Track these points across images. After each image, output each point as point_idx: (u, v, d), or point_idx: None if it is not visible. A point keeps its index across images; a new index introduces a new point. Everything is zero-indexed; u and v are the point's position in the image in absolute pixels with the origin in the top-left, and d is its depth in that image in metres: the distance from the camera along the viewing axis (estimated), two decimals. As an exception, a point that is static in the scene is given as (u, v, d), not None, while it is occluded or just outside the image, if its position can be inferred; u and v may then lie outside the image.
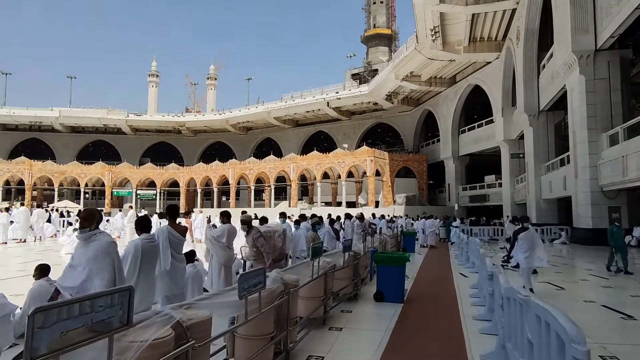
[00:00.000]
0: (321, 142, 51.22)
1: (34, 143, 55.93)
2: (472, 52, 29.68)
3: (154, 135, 58.76)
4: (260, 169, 43.27)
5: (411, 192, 38.38)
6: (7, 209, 19.80)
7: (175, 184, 49.24)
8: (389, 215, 25.27)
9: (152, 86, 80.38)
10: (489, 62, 31.40)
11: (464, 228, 22.82)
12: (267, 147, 55.05)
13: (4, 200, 42.99)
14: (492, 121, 32.44)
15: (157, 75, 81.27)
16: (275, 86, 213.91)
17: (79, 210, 30.00)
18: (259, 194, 49.14)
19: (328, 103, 45.85)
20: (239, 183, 45.93)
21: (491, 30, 28.20)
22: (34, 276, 5.59)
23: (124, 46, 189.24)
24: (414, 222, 24.56)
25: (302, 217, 10.35)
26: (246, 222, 6.46)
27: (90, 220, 3.83)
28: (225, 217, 6.85)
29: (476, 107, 36.43)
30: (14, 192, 46.75)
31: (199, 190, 46.98)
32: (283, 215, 10.08)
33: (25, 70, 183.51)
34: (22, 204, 24.39)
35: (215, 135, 58.97)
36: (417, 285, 9.25)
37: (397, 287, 7.38)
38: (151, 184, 49.19)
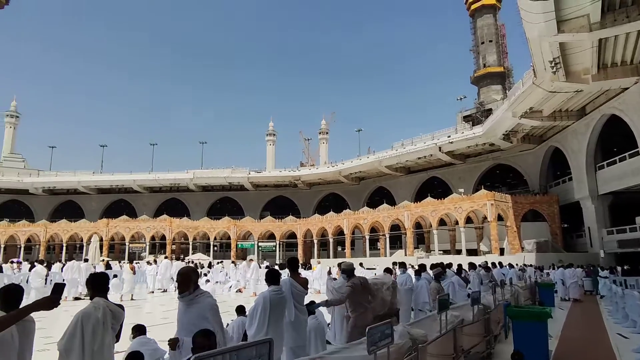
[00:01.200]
0: (435, 188, 49.60)
1: (173, 202, 63.68)
2: (603, 79, 26.64)
3: (273, 190, 62.85)
4: (374, 218, 43.16)
5: (542, 237, 34.50)
6: (155, 261, 22.30)
7: (293, 235, 51.41)
8: (517, 264, 22.93)
9: (270, 144, 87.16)
10: (626, 88, 27.90)
11: (615, 279, 19.58)
12: (379, 196, 55.02)
13: (150, 253, 49.12)
14: (638, 153, 28.26)
15: (274, 134, 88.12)
16: (384, 134, 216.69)
17: (209, 263, 32.80)
18: (373, 243, 48.74)
19: (440, 148, 44.68)
20: (353, 233, 46.22)
21: (625, 53, 25.19)
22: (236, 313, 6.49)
23: (243, 110, 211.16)
24: (549, 271, 21.84)
25: (422, 267, 9.85)
26: (347, 271, 6.21)
27: (187, 284, 3.77)
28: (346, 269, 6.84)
29: (614, 139, 32.16)
30: (158, 246, 53.15)
31: (315, 241, 48.27)
32: (402, 265, 9.71)
33: (165, 139, 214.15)
34: (166, 257, 27.43)
35: (329, 187, 60.95)
36: (564, 346, 7.98)
37: (539, 348, 6.46)
38: (271, 236, 52.02)
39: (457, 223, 37.26)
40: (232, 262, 29.66)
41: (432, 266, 10.13)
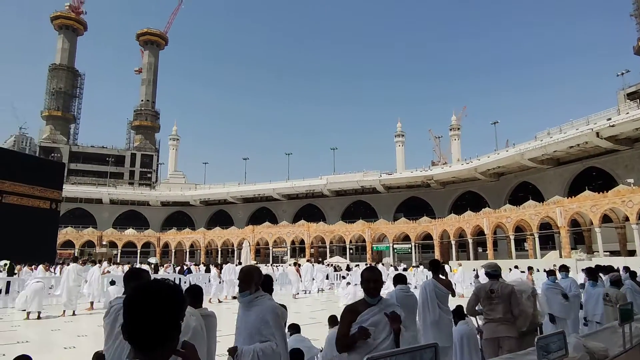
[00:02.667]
0: (593, 180, 43.14)
1: (309, 208, 67.00)
2: None
3: (405, 191, 61.85)
4: (518, 216, 39.34)
5: None
6: (299, 265, 23.56)
7: (428, 236, 49.76)
8: None
9: (399, 145, 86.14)
10: None
11: None
12: (523, 192, 50.03)
13: (291, 257, 52.38)
14: None
15: (403, 135, 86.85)
16: (523, 125, 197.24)
17: (347, 266, 33.55)
18: (520, 243, 44.43)
19: (598, 133, 38.75)
20: (495, 233, 42.79)
21: None
22: (329, 324, 6.40)
23: (370, 113, 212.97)
24: None
25: (590, 272, 8.44)
26: (491, 274, 5.19)
27: (248, 282, 3.36)
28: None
29: None
30: (298, 250, 56.39)
31: (453, 242, 45.98)
32: (564, 268, 8.43)
33: (299, 148, 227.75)
34: (308, 260, 28.86)
35: (465, 185, 57.64)
36: None
37: None
38: (406, 238, 51.13)
39: (627, 219, 31.80)
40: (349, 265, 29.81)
41: (591, 271, 8.63)
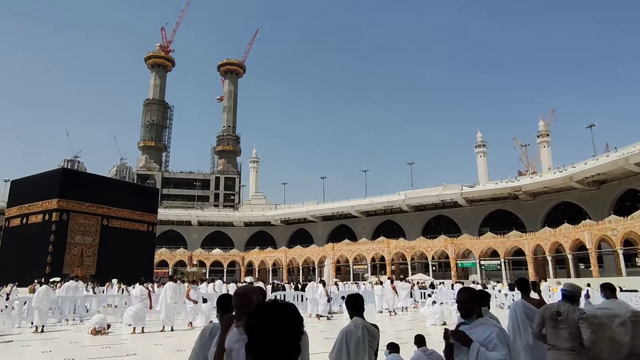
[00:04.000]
0: None
1: (388, 224, 65.74)
2: None
3: (490, 204, 58.38)
4: (627, 228, 35.13)
5: None
6: (380, 282, 22.98)
7: (519, 252, 46.22)
8: None
9: (480, 156, 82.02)
10: None
11: None
12: (630, 201, 44.78)
13: (372, 274, 51.51)
14: None
15: (484, 145, 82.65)
16: (624, 128, 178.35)
17: (431, 283, 32.12)
18: (630, 258, 39.61)
19: None
20: (599, 247, 38.58)
21: None
22: (415, 344, 6.20)
23: (446, 123, 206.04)
24: None
25: None
26: (569, 297, 4.44)
27: (245, 308, 2.65)
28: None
29: None
30: (378, 267, 55.32)
31: (549, 258, 42.20)
32: None
33: (376, 164, 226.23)
34: (389, 278, 28.09)
35: (559, 196, 53.00)
36: None
37: None
38: (493, 254, 47.97)
39: None
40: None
41: None
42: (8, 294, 16.61)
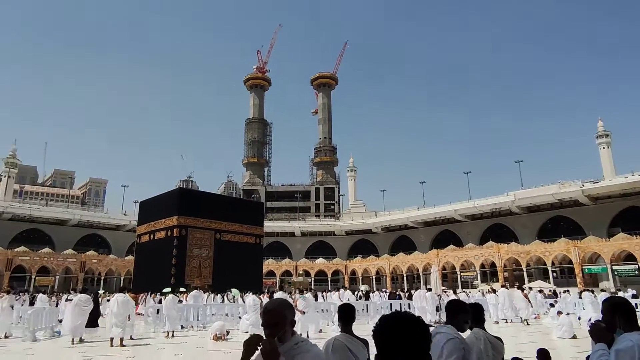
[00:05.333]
0: None
1: (497, 227, 61.38)
2: None
3: (619, 201, 51.50)
4: None
5: None
6: (493, 290, 21.49)
7: (662, 255, 39.86)
8: None
9: (603, 148, 72.92)
10: None
11: None
12: None
13: (482, 282, 48.37)
14: None
15: (607, 135, 73.44)
16: None
17: (553, 291, 29.04)
18: None
19: None
20: None
21: None
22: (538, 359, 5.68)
23: (557, 111, 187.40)
24: None
25: None
26: None
27: (279, 325, 2.26)
28: None
29: None
30: (489, 274, 51.79)
31: (701, 261, 35.80)
32: None
33: (479, 165, 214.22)
34: (503, 286, 26.11)
35: None
36: None
37: None
38: (629, 258, 41.99)
39: None
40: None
41: None
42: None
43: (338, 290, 27.53)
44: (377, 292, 32.26)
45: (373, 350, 3.83)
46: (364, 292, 32.50)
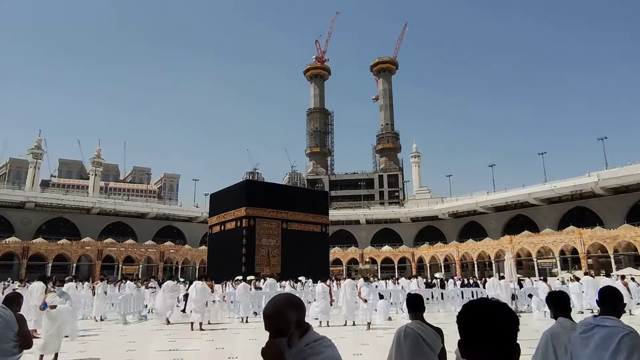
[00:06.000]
0: None
1: (578, 211, 57.02)
2: None
3: None
4: None
5: None
6: (576, 278, 20.07)
7: None
8: None
9: (702, 120, 64.87)
10: None
11: None
12: None
13: (562, 269, 45.33)
14: None
15: None
16: None
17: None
18: None
19: None
20: None
21: None
22: None
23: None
24: None
25: None
26: None
27: (284, 327, 1.97)
28: None
29: None
30: (570, 260, 48.41)
31: None
32: None
33: (554, 145, 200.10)
34: (586, 273, 24.25)
35: None
36: None
37: None
38: None
39: None
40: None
41: None
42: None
43: (410, 278, 27.10)
44: (450, 280, 31.51)
45: (449, 339, 3.75)
46: (438, 280, 31.76)
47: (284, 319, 1.93)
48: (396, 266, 62.24)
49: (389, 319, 15.95)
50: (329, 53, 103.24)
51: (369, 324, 13.42)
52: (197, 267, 58.82)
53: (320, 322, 14.18)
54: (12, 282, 29.53)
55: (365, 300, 13.69)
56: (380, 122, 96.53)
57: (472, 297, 19.17)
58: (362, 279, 15.09)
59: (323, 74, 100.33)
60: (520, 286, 19.93)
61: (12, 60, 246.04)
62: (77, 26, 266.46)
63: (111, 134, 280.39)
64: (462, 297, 19.81)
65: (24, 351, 4.59)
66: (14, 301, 4.67)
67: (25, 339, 4.49)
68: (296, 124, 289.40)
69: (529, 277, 36.91)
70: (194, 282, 14.73)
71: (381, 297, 16.91)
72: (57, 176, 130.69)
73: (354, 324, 14.27)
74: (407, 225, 75.28)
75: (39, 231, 58.36)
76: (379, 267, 61.74)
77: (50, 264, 49.35)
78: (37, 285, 12.15)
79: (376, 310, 16.00)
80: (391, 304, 18.50)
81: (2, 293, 17.34)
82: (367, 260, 62.14)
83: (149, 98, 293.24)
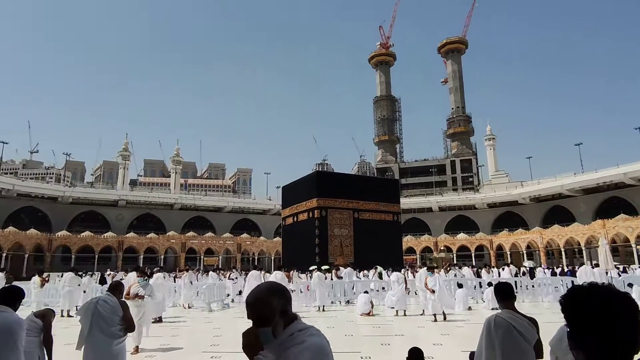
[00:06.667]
0: None
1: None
2: None
3: None
4: None
5: None
6: None
7: None
8: None
9: None
10: None
11: None
12: None
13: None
14: None
15: None
16: None
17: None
18: None
19: None
20: None
21: None
22: None
23: None
24: None
25: None
26: None
27: (267, 317, 1.88)
28: None
29: None
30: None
31: None
32: None
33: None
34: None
35: None
36: None
37: None
38: None
39: None
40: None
41: None
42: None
43: (502, 267, 25.77)
44: (539, 269, 29.71)
45: (542, 330, 3.48)
46: (527, 269, 30.11)
47: (266, 307, 1.84)
48: (473, 254, 59.84)
49: (469, 308, 15.37)
50: (393, 38, 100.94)
51: (434, 315, 12.42)
52: (272, 257, 60.89)
53: (397, 311, 14.01)
54: (117, 272, 32.66)
55: (433, 291, 12.68)
56: (451, 106, 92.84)
57: (566, 287, 17.85)
58: (424, 269, 14.04)
59: (388, 60, 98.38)
60: (622, 273, 18.18)
61: (103, 72, 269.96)
62: (153, 26, 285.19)
63: (187, 133, 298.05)
64: (556, 288, 18.51)
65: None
66: (117, 289, 5.15)
67: (128, 323, 4.92)
68: (363, 113, 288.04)
69: (628, 265, 33.67)
70: (274, 272, 15.23)
71: (460, 286, 16.33)
72: (143, 175, 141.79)
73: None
74: (483, 212, 71.95)
75: (130, 226, 63.84)
76: (455, 255, 59.71)
77: (141, 256, 53.89)
78: (133, 275, 13.24)
79: (455, 299, 15.52)
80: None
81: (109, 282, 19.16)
82: (442, 248, 60.38)
83: (221, 97, 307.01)
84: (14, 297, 3.67)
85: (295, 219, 37.96)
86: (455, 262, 52.84)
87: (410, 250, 61.07)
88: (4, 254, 45.90)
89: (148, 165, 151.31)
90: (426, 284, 13.00)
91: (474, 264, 47.39)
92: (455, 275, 21.10)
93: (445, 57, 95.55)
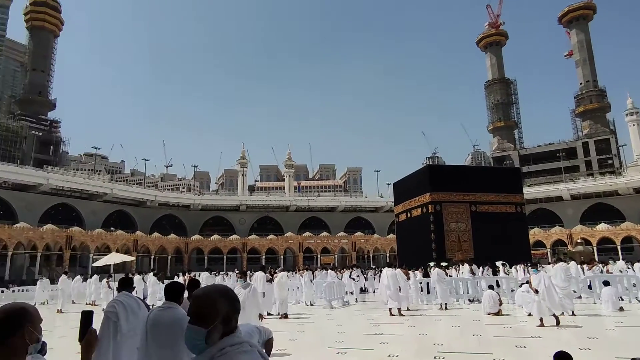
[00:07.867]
0: None
1: None
2: None
3: None
4: None
5: None
6: None
7: None
8: None
9: None
10: None
11: None
12: None
13: None
14: None
15: None
16: None
17: None
18: None
19: None
20: None
21: None
22: None
23: None
24: None
25: None
26: None
27: (202, 319, 1.70)
28: None
29: None
30: None
31: None
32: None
33: None
34: None
35: None
36: None
37: None
38: None
39: None
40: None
41: None
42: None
43: None
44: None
45: None
46: None
47: (210, 305, 1.70)
48: (619, 247, 52.32)
49: (620, 309, 13.34)
50: (503, 16, 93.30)
51: (541, 320, 10.70)
52: (387, 255, 60.40)
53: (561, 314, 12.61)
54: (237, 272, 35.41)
55: (537, 291, 10.95)
56: (579, 81, 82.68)
57: None
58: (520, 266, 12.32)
59: (499, 40, 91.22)
60: None
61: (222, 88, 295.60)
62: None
63: (297, 137, 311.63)
64: None
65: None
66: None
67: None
68: (473, 100, 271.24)
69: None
70: (385, 270, 14.98)
71: (606, 283, 14.27)
72: (260, 180, 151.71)
73: (573, 314, 12.38)
74: (629, 198, 62.47)
75: (252, 229, 68.69)
76: (595, 248, 52.84)
77: (263, 257, 57.66)
78: (260, 275, 14.10)
79: (600, 299, 13.64)
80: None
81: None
82: (577, 241, 53.85)
83: (326, 97, 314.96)
84: (179, 293, 3.77)
85: (408, 214, 37.13)
86: (596, 256, 46.76)
87: (539, 244, 55.68)
88: (152, 256, 53.19)
89: (263, 171, 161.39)
90: (530, 283, 11.51)
91: (620, 258, 41.38)
92: (601, 272, 18.62)
93: (568, 27, 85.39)
